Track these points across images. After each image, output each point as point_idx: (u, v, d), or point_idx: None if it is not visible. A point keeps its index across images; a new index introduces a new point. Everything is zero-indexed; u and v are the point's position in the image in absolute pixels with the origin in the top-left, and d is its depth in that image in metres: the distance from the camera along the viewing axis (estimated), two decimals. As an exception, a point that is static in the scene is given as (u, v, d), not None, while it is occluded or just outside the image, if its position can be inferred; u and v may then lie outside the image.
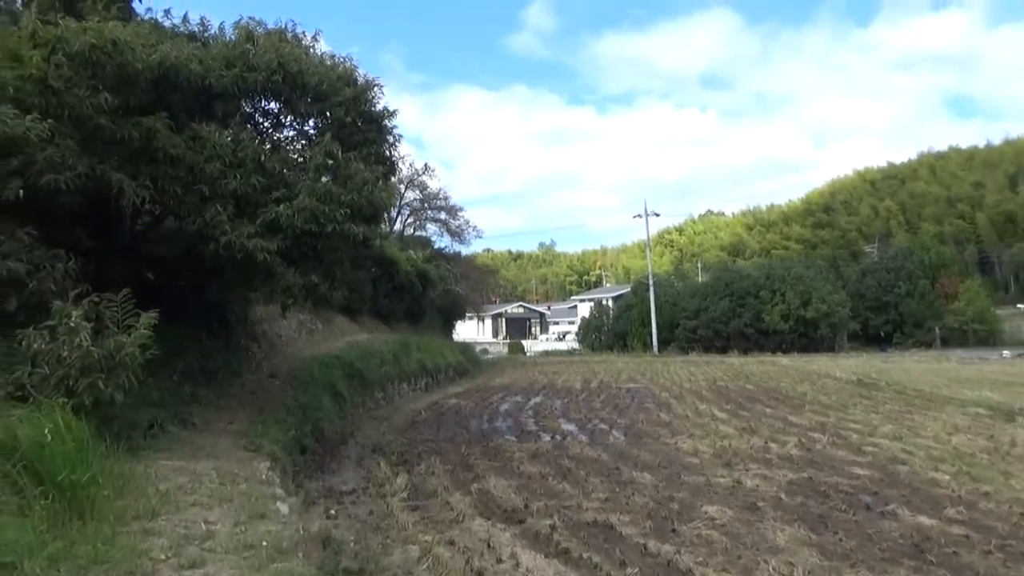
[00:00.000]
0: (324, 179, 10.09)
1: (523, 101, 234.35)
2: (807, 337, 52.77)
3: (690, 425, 15.31)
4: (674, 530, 7.56)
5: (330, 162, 10.12)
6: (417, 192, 37.30)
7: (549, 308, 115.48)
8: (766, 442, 12.71)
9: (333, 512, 8.31)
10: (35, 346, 6.89)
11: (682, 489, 9.42)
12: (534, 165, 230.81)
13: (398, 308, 29.42)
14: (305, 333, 20.73)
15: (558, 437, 14.22)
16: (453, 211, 39.68)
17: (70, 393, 6.77)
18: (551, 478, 10.20)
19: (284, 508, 6.21)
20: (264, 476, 7.35)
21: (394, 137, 11.76)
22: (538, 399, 22.07)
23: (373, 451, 12.82)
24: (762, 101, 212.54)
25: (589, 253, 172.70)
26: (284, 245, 9.76)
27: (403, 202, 35.18)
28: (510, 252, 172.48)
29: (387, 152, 11.63)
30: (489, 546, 6.99)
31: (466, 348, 35.47)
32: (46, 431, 5.51)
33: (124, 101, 8.98)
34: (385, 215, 10.74)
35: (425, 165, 36.49)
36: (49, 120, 7.87)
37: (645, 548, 6.91)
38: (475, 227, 42.55)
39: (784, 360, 39.92)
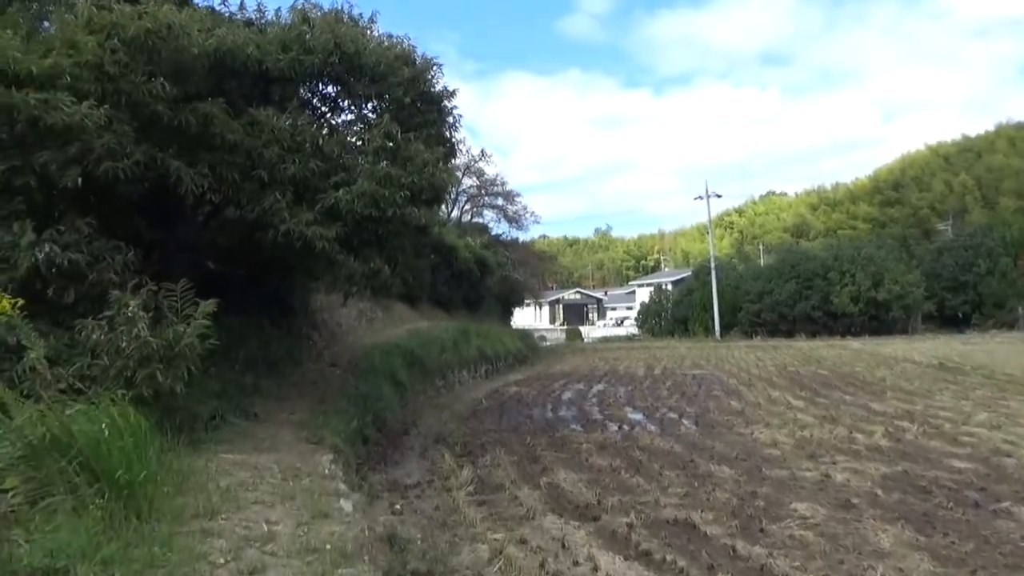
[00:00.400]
0: (383, 162, 9.75)
1: (577, 85, 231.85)
2: (878, 320, 50.82)
3: (765, 414, 14.60)
4: (763, 530, 7.00)
5: (389, 144, 9.78)
6: (474, 179, 37.07)
7: (606, 293, 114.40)
8: (850, 432, 11.95)
9: (398, 507, 8.00)
10: (94, 337, 6.74)
11: (765, 484, 8.82)
12: (589, 150, 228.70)
13: (457, 295, 29.21)
14: (365, 321, 20.63)
15: (625, 427, 13.70)
16: (510, 197, 39.29)
17: (129, 385, 6.60)
18: (623, 471, 9.71)
19: (348, 505, 5.89)
20: (327, 470, 7.07)
21: (454, 118, 11.37)
22: (601, 386, 21.55)
23: (436, 441, 12.53)
24: (825, 76, 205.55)
25: (646, 238, 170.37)
26: (344, 232, 9.47)
27: (460, 189, 34.94)
28: (566, 238, 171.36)
29: (447, 133, 11.24)
30: (563, 546, 6.55)
31: (525, 335, 35.11)
32: (103, 426, 5.28)
33: (181, 87, 8.78)
34: (446, 198, 10.34)
35: (482, 151, 36.23)
36: (105, 106, 7.70)
37: (733, 550, 6.37)
38: (532, 213, 42.02)
39: (855, 344, 38.40)
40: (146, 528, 4.67)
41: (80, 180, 7.51)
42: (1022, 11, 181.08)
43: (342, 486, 6.64)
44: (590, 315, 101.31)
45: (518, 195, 39.76)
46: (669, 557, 6.18)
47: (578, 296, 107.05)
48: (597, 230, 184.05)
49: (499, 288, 35.37)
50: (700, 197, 58.28)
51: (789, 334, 50.30)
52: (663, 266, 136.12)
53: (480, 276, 30.20)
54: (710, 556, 6.25)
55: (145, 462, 5.55)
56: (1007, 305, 51.57)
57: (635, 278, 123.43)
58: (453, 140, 11.41)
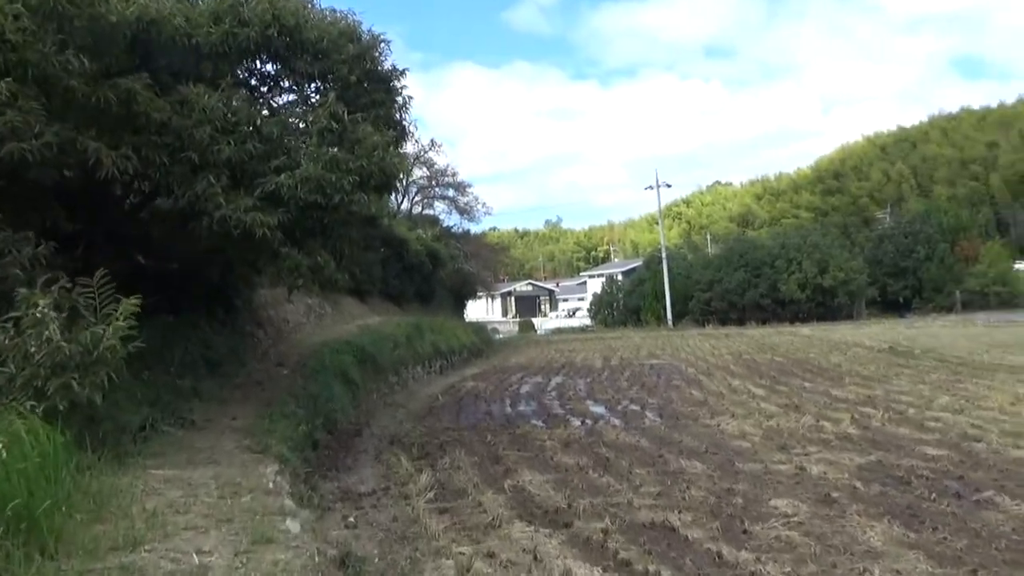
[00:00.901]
0: (329, 145, 9.02)
1: (525, 77, 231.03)
2: (824, 306, 51.68)
3: (728, 404, 14.28)
4: (746, 531, 6.53)
5: (335, 125, 9.04)
6: (424, 169, 36.10)
7: (558, 285, 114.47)
8: (817, 420, 11.67)
9: (352, 520, 7.31)
10: (-3, 342, 5.88)
11: (740, 479, 8.40)
12: (538, 142, 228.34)
13: (409, 289, 28.42)
14: (314, 317, 19.75)
15: (588, 421, 13.22)
16: (461, 188, 38.51)
17: (40, 396, 5.78)
18: (591, 470, 9.19)
19: (295, 526, 5.21)
20: (271, 484, 6.35)
21: (404, 99, 10.66)
22: (559, 379, 21.09)
23: (391, 443, 11.84)
24: (767, 69, 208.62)
25: (596, 229, 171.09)
26: (286, 219, 8.71)
27: (411, 180, 34.07)
28: (516, 230, 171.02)
29: (397, 115, 10.53)
30: (536, 558, 5.98)
31: (479, 328, 34.48)
32: (0, 446, 4.50)
33: (99, 61, 7.90)
34: (396, 186, 9.65)
35: (432, 141, 35.35)
36: (8, 79, 6.80)
37: (719, 556, 5.88)
38: (484, 204, 41.38)
39: (805, 330, 38.79)
40: (49, 567, 3.94)
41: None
42: (950, 7, 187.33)
43: (288, 502, 5.94)
44: (542, 307, 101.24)
45: (469, 186, 39.15)
46: (652, 567, 5.65)
47: (530, 288, 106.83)
48: (547, 222, 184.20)
49: (451, 281, 34.67)
50: (650, 187, 58.44)
51: (740, 322, 50.76)
52: (613, 257, 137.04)
53: (432, 269, 29.45)
54: (695, 564, 5.75)
55: (55, 485, 4.80)
56: (945, 289, 53.04)
57: (585, 269, 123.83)
58: (404, 123, 10.73)
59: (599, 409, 14.76)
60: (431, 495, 8.16)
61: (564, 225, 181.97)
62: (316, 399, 12.47)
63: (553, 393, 17.81)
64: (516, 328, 59.37)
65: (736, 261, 54.60)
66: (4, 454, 4.51)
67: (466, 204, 38.98)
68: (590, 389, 18.20)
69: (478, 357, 29.98)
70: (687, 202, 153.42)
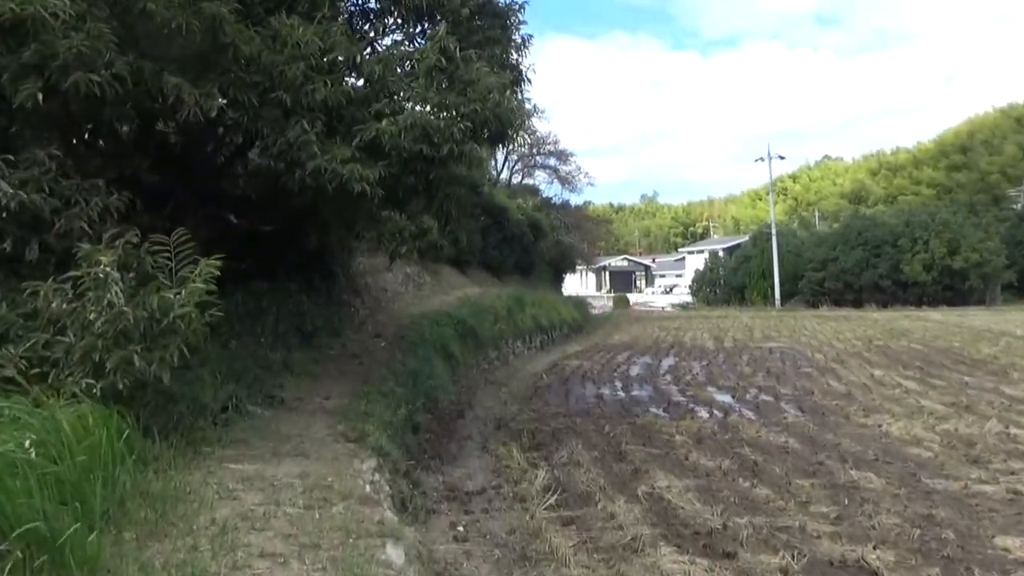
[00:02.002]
0: (437, 87, 7.75)
1: (622, 48, 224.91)
2: (952, 289, 47.55)
3: (879, 399, 12.39)
4: (979, 584, 4.96)
5: (444, 63, 7.75)
6: (526, 136, 34.51)
7: (654, 261, 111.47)
8: (1006, 427, 9.72)
9: (461, 529, 6.12)
10: (53, 306, 4.91)
11: (937, 503, 6.72)
12: (635, 115, 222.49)
13: (508, 260, 27.22)
14: (412, 287, 18.81)
15: (717, 413, 11.65)
16: (564, 157, 36.80)
17: (99, 372, 4.77)
18: (738, 477, 7.71)
19: (398, 555, 4.01)
20: (368, 487, 5.20)
21: (522, 38, 9.27)
22: (670, 360, 19.47)
23: (497, 428, 10.66)
24: (881, 37, 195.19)
25: (694, 204, 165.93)
26: (388, 174, 7.50)
27: (511, 147, 32.66)
28: (611, 205, 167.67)
29: (514, 56, 9.16)
30: (700, 605, 4.61)
31: (580, 303, 33.03)
32: (27, 444, 3.45)
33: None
34: (512, 136, 8.29)
35: (534, 106, 33.65)
36: (75, -3, 5.81)
37: (957, 623, 4.35)
38: (587, 174, 39.49)
39: (935, 315, 35.46)
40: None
41: (41, 97, 5.65)
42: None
43: (388, 514, 4.76)
44: (638, 282, 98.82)
45: (572, 155, 37.28)
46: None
47: (626, 263, 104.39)
48: (643, 196, 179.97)
49: (550, 253, 33.27)
50: (761, 159, 55.36)
51: (856, 304, 47.38)
52: (712, 233, 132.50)
53: (533, 240, 28.12)
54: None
55: (105, 489, 3.75)
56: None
57: (683, 245, 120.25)
58: (520, 66, 9.32)
59: (725, 398, 13.14)
60: (551, 500, 6.87)
61: (660, 200, 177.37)
62: (416, 376, 11.41)
63: (667, 377, 16.25)
64: (610, 304, 57.60)
65: (854, 239, 50.88)
66: (34, 454, 3.47)
67: (568, 174, 37.30)
68: (708, 374, 16.52)
69: (578, 333, 28.60)
70: (794, 177, 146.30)
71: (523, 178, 37.60)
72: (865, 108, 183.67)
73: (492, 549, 5.69)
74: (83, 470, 3.82)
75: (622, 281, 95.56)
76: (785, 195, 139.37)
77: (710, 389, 14.23)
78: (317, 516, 4.39)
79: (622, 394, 14.02)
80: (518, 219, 26.60)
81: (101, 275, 4.87)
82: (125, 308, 4.73)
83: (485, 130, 7.82)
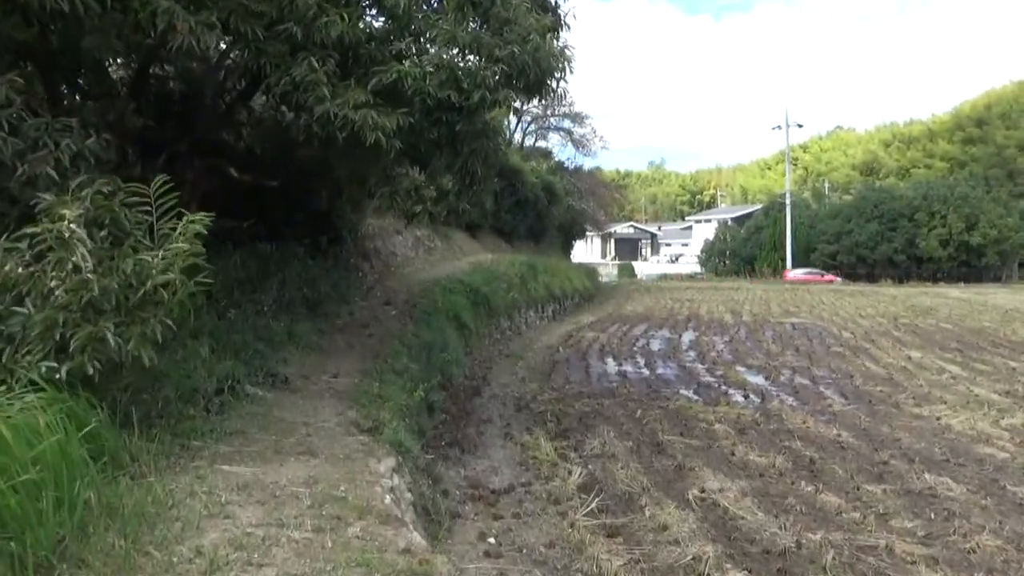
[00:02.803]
0: (468, 23, 6.72)
1: (636, 10, 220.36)
2: (968, 265, 46.69)
3: (926, 385, 11.52)
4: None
5: (478, -3, 6.71)
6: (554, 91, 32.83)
7: (660, 229, 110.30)
8: (1081, 423, 8.86)
9: (493, 541, 5.26)
10: (6, 269, 3.98)
11: (1036, 518, 5.87)
12: (644, 80, 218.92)
13: (521, 225, 26.19)
14: (423, 251, 17.86)
15: (754, 397, 10.79)
16: (579, 119, 35.43)
17: (63, 351, 3.87)
18: (796, 478, 6.85)
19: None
20: (388, 498, 4.32)
21: (562, -26, 8.18)
22: (690, 335, 18.58)
23: (518, 409, 9.81)
24: (900, 4, 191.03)
25: (702, 172, 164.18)
26: (407, 124, 6.51)
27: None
28: (618, 171, 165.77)
29: (552, -5, 8.09)
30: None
31: (591, 272, 32.07)
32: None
33: None
34: (552, 86, 7.22)
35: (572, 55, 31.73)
36: None
37: None
38: (601, 137, 38.14)
39: (954, 292, 34.55)
40: None
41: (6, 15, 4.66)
42: None
43: (415, 537, 3.88)
44: (643, 251, 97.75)
45: (587, 117, 35.83)
46: None
47: (631, 230, 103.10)
48: (650, 163, 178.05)
49: (562, 219, 32.19)
50: (778, 127, 54.09)
51: (869, 278, 46.52)
52: (720, 202, 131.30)
53: (547, 204, 27.05)
54: None
55: (54, 517, 2.87)
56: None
57: (690, 214, 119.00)
58: (559, 9, 8.24)
59: (758, 380, 12.26)
60: (592, 504, 6.02)
61: (668, 167, 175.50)
62: (430, 349, 10.53)
63: (691, 354, 15.36)
64: (615, 271, 56.57)
65: (869, 212, 49.78)
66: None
67: (582, 137, 35.97)
68: (734, 351, 15.64)
69: (589, 302, 27.72)
70: (804, 147, 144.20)
71: (536, 140, 36.41)
72: (879, 77, 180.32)
73: (530, 568, 4.84)
74: (30, 490, 2.93)
75: (628, 249, 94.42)
76: (795, 165, 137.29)
77: (739, 369, 13.36)
78: (329, 544, 3.51)
79: (646, 372, 13.15)
80: (532, 182, 25.50)
81: (64, 233, 3.93)
82: (90, 275, 3.80)
83: (523, 77, 6.80)
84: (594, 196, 37.64)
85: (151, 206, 4.60)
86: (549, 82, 7.13)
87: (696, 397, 10.82)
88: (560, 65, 7.07)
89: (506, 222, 24.66)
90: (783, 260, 51.56)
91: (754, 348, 16.13)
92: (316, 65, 6.23)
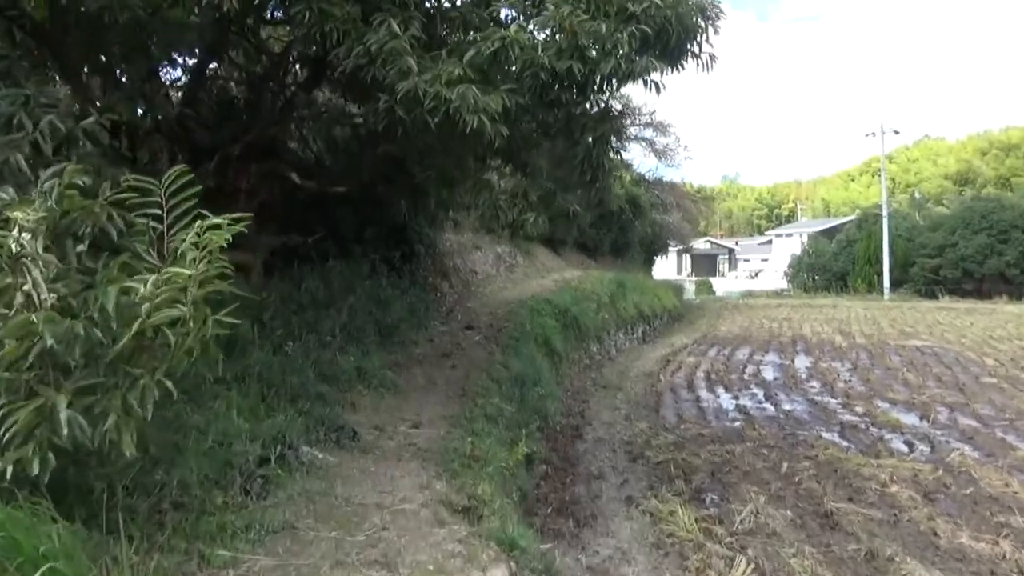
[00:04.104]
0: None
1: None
2: (1090, 280, 42.45)
3: None
4: None
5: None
6: (618, 104, 31.17)
7: (737, 244, 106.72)
8: None
9: None
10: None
11: None
12: (716, 91, 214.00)
13: (605, 239, 24.45)
14: (504, 268, 16.35)
15: (919, 444, 8.79)
16: (662, 127, 33.43)
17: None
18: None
19: None
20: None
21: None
22: (804, 360, 16.46)
23: (632, 459, 8.10)
24: (977, 7, 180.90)
25: (780, 185, 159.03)
26: (515, 104, 4.97)
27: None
28: (690, 185, 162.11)
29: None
30: None
31: (678, 289, 30.03)
32: None
33: None
34: (695, 50, 5.58)
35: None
36: None
37: None
38: (686, 147, 35.98)
39: (1088, 311, 31.05)
40: None
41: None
42: None
43: None
44: (721, 266, 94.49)
45: (670, 126, 33.78)
46: None
47: (708, 246, 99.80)
48: (724, 177, 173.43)
49: (644, 233, 30.28)
50: (872, 134, 50.75)
51: (978, 294, 42.78)
52: (799, 216, 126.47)
53: (631, 218, 25.24)
54: None
55: None
56: None
57: (768, 228, 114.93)
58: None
59: (912, 420, 10.21)
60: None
61: (743, 181, 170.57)
62: (522, 383, 8.96)
63: (815, 384, 13.32)
64: (693, 288, 53.93)
65: (976, 223, 45.94)
66: None
67: (665, 147, 33.93)
68: (865, 381, 13.51)
69: (679, 322, 25.73)
70: (890, 158, 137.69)
71: (616, 151, 34.36)
72: (964, 84, 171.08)
73: None
74: None
75: (705, 264, 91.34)
76: (880, 176, 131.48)
77: (881, 404, 11.29)
78: None
79: (770, 407, 11.23)
80: (617, 194, 23.78)
81: (14, 247, 2.50)
82: (34, 318, 2.34)
83: (662, 41, 5.18)
84: (679, 209, 35.53)
85: (163, 206, 3.16)
86: (691, 47, 5.47)
87: (845, 443, 8.89)
88: (705, 25, 5.40)
89: (590, 236, 22.97)
90: (879, 275, 48.19)
91: (886, 377, 13.94)
92: (397, 29, 4.76)
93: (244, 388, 5.12)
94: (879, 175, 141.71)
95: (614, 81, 5.07)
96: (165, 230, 3.12)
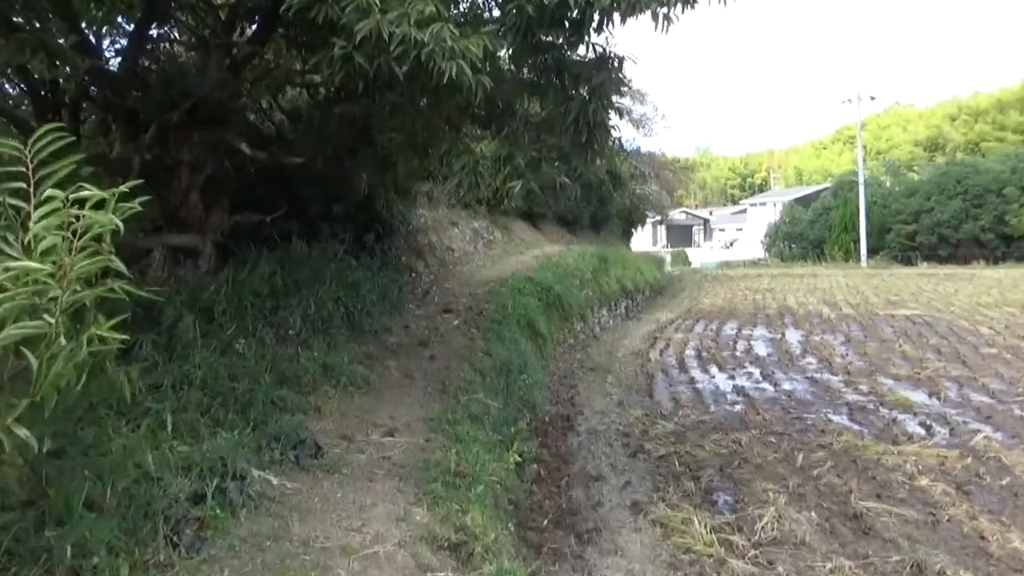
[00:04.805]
0: None
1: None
2: (1068, 243, 42.57)
3: None
4: None
5: None
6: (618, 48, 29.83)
7: (711, 214, 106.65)
8: None
9: None
10: None
11: None
12: (688, 60, 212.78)
13: (584, 212, 23.61)
14: (482, 245, 15.48)
15: (936, 426, 8.16)
16: (639, 96, 32.47)
17: None
18: None
19: None
20: None
21: None
22: (795, 334, 15.85)
23: (631, 453, 7.37)
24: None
25: (752, 155, 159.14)
26: (496, 47, 4.10)
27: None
28: (666, 156, 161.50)
29: None
30: None
31: (660, 262, 29.36)
32: None
33: None
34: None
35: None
36: None
37: None
38: (664, 116, 35.07)
39: (1064, 274, 30.94)
40: None
41: None
42: None
43: None
44: (696, 237, 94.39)
45: (647, 94, 32.74)
46: None
47: (684, 216, 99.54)
48: (697, 148, 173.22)
49: (623, 205, 29.47)
50: (848, 100, 50.63)
51: (957, 260, 42.77)
52: (772, 184, 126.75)
53: (611, 190, 24.41)
54: None
55: None
56: None
57: (741, 198, 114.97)
58: None
59: (920, 398, 9.60)
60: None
61: (717, 151, 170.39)
62: (508, 372, 8.20)
63: (811, 360, 12.70)
64: (669, 259, 53.41)
65: (952, 188, 45.85)
66: None
67: (642, 116, 33.02)
68: (862, 355, 12.91)
69: (661, 296, 25.15)
70: (862, 125, 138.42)
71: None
72: (932, 51, 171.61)
73: None
74: None
75: (680, 235, 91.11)
76: (853, 143, 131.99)
77: (885, 381, 10.68)
78: None
79: (768, 387, 10.57)
80: (596, 165, 22.91)
81: None
82: None
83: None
84: (657, 180, 34.69)
85: (28, 180, 2.28)
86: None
87: (858, 427, 8.24)
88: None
89: (569, 209, 22.12)
90: (856, 243, 48.07)
91: (883, 350, 13.36)
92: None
93: (182, 399, 4.25)
94: (851, 143, 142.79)
95: (616, 16, 4.21)
96: (32, 208, 2.24)
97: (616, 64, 4.82)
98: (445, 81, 3.89)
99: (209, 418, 4.25)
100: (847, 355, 12.99)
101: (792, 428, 8.22)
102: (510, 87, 4.92)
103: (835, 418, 8.69)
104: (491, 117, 5.61)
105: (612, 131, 5.30)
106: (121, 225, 2.34)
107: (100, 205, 2.39)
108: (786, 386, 10.61)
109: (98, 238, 2.35)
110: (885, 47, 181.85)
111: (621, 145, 33.71)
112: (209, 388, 4.54)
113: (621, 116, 5.23)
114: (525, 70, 4.92)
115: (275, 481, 3.87)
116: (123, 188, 2.48)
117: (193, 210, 6.69)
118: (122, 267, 2.42)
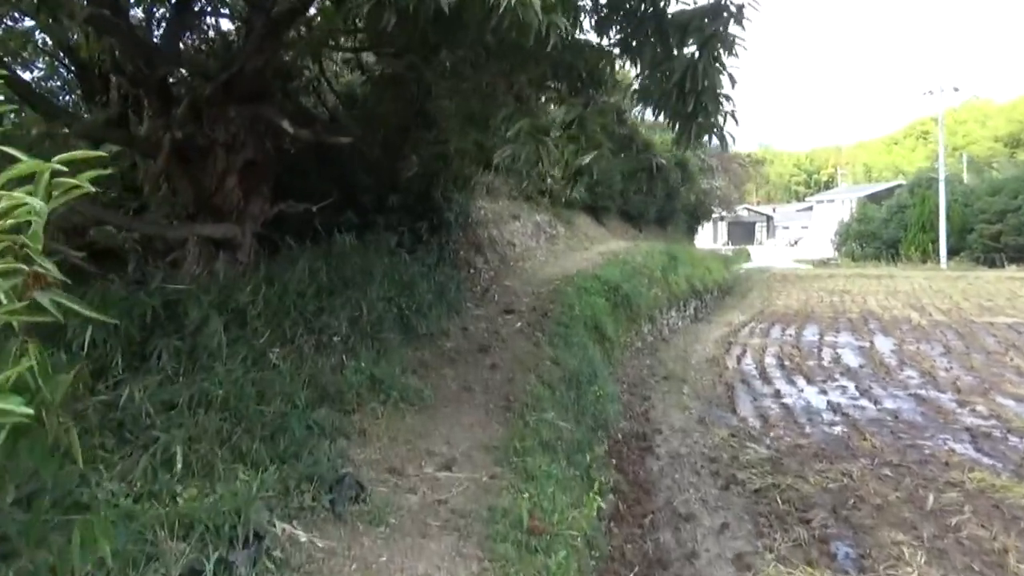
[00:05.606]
0: None
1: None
2: None
3: None
4: None
5: None
6: None
7: (775, 211, 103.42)
8: None
9: None
10: None
11: None
12: (750, 55, 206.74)
13: (650, 207, 22.44)
14: (544, 240, 14.53)
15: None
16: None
17: None
18: None
19: None
20: None
21: None
22: (885, 342, 14.47)
23: (722, 484, 6.36)
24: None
25: (818, 151, 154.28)
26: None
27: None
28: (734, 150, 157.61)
29: None
30: None
31: (728, 260, 27.95)
32: None
33: None
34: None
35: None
36: None
37: None
38: (733, 110, 33.38)
39: None
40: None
41: None
42: None
43: None
44: (759, 234, 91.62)
45: (711, 85, 31.32)
46: None
47: (746, 213, 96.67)
48: (760, 144, 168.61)
49: (688, 200, 28.17)
50: (929, 92, 47.80)
51: (1047, 262, 40.03)
52: (839, 181, 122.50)
53: (679, 184, 23.15)
54: None
55: None
56: None
57: (806, 195, 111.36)
58: None
59: (1053, 423, 8.31)
60: None
61: (778, 147, 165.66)
62: (577, 384, 7.27)
63: (911, 374, 11.38)
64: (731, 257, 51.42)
65: (1043, 186, 43.02)
66: None
67: (708, 107, 31.49)
68: (968, 368, 11.54)
69: (730, 296, 23.80)
70: (935, 120, 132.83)
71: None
72: (1009, 45, 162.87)
73: None
74: None
75: (742, 232, 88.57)
76: (926, 139, 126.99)
77: (1005, 402, 9.38)
78: None
79: (869, 405, 9.38)
80: (665, 158, 21.75)
81: None
82: None
83: None
84: (725, 173, 33.21)
85: None
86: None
87: (988, 460, 7.05)
88: None
89: (634, 204, 20.99)
90: (934, 243, 45.53)
91: (992, 364, 11.97)
92: None
93: (196, 426, 3.45)
94: (924, 138, 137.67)
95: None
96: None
97: (735, 10, 3.82)
98: (502, 14, 2.95)
99: (228, 449, 3.44)
100: (951, 368, 11.64)
101: (908, 458, 7.07)
102: (593, 52, 3.96)
103: (957, 447, 7.50)
104: (571, 88, 4.67)
105: (724, 100, 4.27)
106: (46, 210, 1.51)
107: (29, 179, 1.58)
108: (889, 404, 9.40)
109: (17, 229, 1.54)
110: (956, 41, 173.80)
111: (735, 119, 32.24)
112: (232, 409, 3.74)
113: (734, 84, 4.17)
114: (613, 29, 3.95)
115: (303, 538, 3.03)
116: (71, 155, 1.65)
117: (230, 196, 5.93)
118: (54, 270, 1.59)
